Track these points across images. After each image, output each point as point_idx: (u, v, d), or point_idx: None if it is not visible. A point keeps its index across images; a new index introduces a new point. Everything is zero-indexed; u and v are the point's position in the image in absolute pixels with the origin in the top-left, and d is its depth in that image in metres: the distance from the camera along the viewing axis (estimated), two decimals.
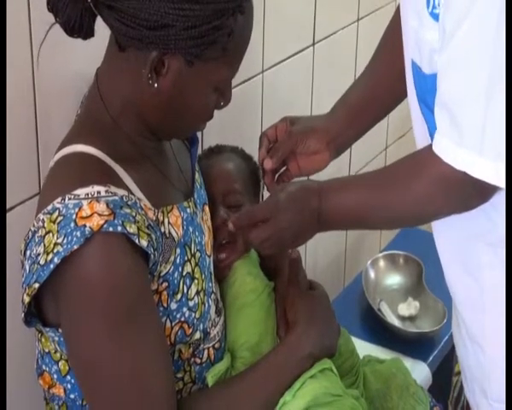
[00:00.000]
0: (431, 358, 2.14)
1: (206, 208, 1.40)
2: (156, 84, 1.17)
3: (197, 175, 1.41)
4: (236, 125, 1.92)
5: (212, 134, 1.77)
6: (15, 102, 1.32)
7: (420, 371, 2.06)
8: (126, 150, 1.24)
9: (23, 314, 1.16)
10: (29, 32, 1.31)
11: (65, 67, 1.40)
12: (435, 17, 1.16)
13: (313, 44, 2.15)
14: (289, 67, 2.07)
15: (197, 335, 1.29)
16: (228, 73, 1.23)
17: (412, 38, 1.24)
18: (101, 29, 1.18)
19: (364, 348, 1.96)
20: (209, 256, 1.36)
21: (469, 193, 1.20)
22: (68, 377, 1.24)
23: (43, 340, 1.25)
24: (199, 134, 1.46)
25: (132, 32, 1.14)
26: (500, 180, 1.13)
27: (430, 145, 1.20)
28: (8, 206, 1.34)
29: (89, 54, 1.25)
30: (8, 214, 1.34)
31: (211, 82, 1.21)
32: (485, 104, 1.11)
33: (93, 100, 1.26)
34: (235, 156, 1.55)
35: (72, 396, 1.25)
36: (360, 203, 1.29)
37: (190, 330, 1.27)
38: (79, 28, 1.16)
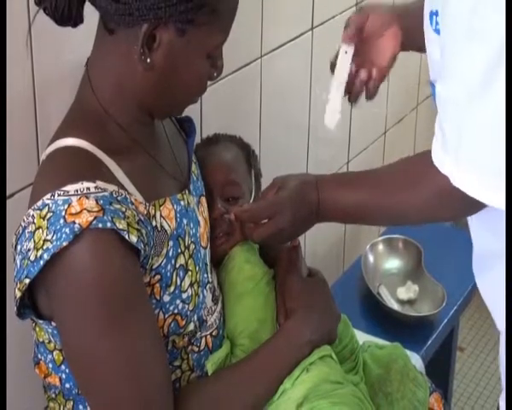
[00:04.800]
0: (430, 341, 2.14)
1: (203, 200, 1.40)
2: (149, 60, 1.16)
3: (194, 166, 1.40)
4: (235, 111, 1.91)
5: (210, 120, 1.77)
6: (15, 91, 1.32)
7: (416, 360, 2.06)
8: (119, 141, 1.23)
9: (15, 308, 1.16)
10: (28, 22, 1.31)
11: (63, 55, 1.40)
12: (438, 32, 1.17)
13: (312, 29, 2.14)
14: (288, 51, 2.06)
15: (191, 326, 1.29)
16: (219, 38, 1.21)
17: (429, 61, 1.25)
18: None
19: (363, 333, 1.96)
20: (204, 248, 1.36)
21: (460, 204, 1.21)
22: (63, 367, 1.25)
23: (37, 330, 1.26)
24: (197, 122, 1.45)
25: (122, 7, 1.13)
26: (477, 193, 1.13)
27: (429, 153, 1.21)
28: (8, 193, 1.35)
29: (88, 42, 1.24)
30: (8, 201, 1.35)
31: (203, 49, 1.20)
32: (463, 115, 1.12)
33: (84, 91, 1.25)
34: (232, 145, 1.54)
35: (67, 386, 1.26)
36: (359, 203, 1.32)
37: (184, 321, 1.26)
38: (68, 15, 1.16)
